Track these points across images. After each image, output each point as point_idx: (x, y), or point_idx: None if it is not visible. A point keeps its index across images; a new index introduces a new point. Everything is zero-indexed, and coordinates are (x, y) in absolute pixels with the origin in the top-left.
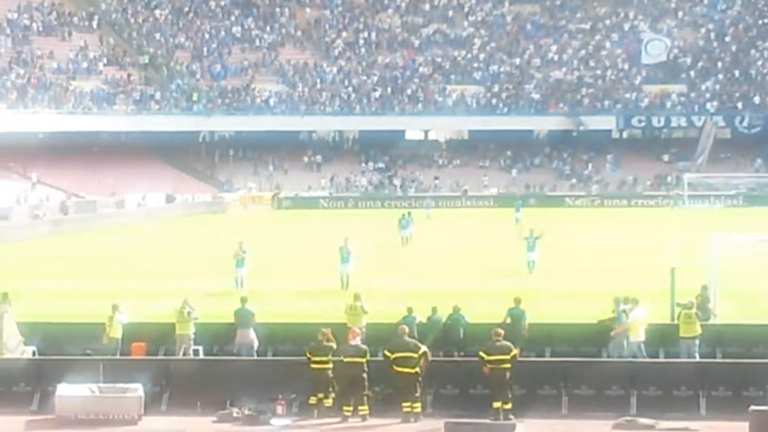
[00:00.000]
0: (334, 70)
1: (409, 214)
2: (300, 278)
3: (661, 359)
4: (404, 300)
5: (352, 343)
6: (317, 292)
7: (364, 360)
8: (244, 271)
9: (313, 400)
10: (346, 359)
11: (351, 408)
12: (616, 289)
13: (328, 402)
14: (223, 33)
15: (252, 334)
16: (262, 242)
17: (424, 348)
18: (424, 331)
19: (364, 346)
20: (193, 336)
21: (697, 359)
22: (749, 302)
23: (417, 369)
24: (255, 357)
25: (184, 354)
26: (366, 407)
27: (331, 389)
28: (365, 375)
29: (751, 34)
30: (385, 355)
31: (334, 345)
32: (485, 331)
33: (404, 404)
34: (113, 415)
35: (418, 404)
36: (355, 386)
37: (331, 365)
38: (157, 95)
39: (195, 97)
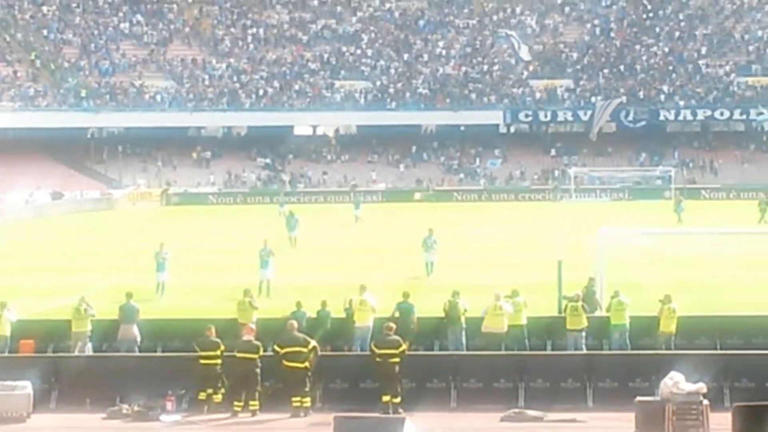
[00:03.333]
0: (223, 66)
1: (293, 213)
2: (191, 273)
3: (549, 351)
4: (294, 295)
5: (245, 338)
6: (211, 288)
7: (257, 356)
8: (165, 275)
9: (202, 395)
10: (239, 355)
11: (242, 403)
12: (504, 284)
13: (218, 397)
14: (111, 29)
15: (135, 330)
16: (150, 239)
17: (313, 343)
18: (314, 326)
19: (257, 342)
20: (89, 334)
21: (584, 351)
22: (635, 294)
23: (307, 364)
24: (137, 353)
25: (80, 352)
26: (257, 402)
27: (220, 384)
28: (258, 370)
29: (635, 29)
30: (274, 350)
31: (219, 341)
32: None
33: (294, 399)
34: (1, 413)
35: (308, 399)
36: (248, 381)
37: (219, 361)
38: (45, 92)
39: (83, 94)
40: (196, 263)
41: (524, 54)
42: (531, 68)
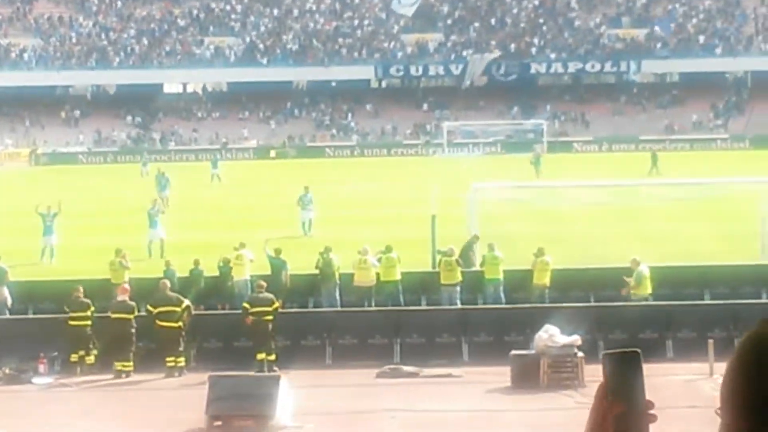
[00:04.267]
0: (90, 23)
1: (164, 173)
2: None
3: (424, 307)
4: (174, 252)
5: (120, 298)
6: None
7: (131, 316)
8: (53, 238)
9: (74, 357)
10: (113, 316)
11: (122, 363)
12: (378, 239)
13: (90, 359)
14: None
15: (5, 292)
16: (19, 200)
17: (186, 302)
18: (187, 285)
19: (132, 303)
20: None
21: (459, 306)
22: (508, 248)
23: (180, 323)
24: (8, 315)
25: None
26: (130, 363)
27: (91, 346)
28: (133, 331)
29: None
30: (147, 310)
31: (89, 301)
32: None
33: (168, 359)
34: None
35: (182, 358)
36: (123, 342)
37: (89, 322)
38: None
39: None
40: (71, 225)
41: (405, 9)
42: (402, 22)
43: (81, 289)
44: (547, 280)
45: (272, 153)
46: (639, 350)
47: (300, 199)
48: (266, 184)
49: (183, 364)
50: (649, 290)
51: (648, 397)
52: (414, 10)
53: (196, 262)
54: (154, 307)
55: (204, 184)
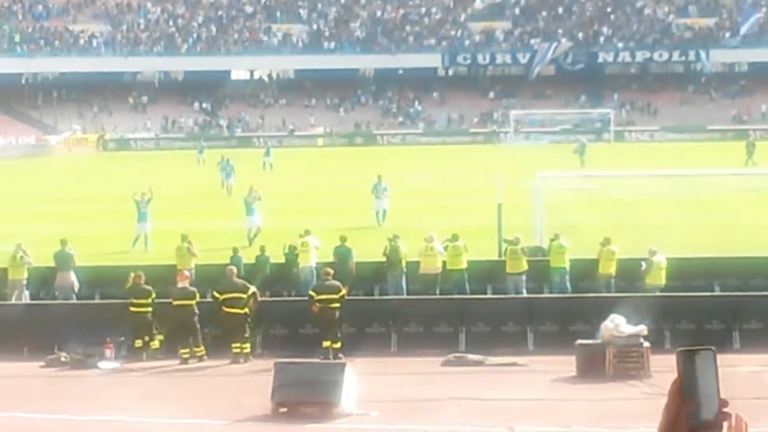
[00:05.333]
0: (158, 10)
1: (228, 159)
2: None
3: (489, 295)
4: (234, 240)
5: (180, 285)
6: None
7: (193, 302)
8: (147, 225)
9: (138, 343)
10: (175, 302)
11: (188, 350)
12: (444, 228)
13: (155, 344)
14: None
15: (72, 277)
16: (88, 185)
17: (253, 288)
18: (253, 272)
19: (193, 288)
20: (25, 282)
21: (525, 294)
22: (574, 237)
23: (246, 309)
24: (74, 300)
25: (17, 300)
26: (202, 348)
27: (155, 331)
28: (195, 317)
29: None
30: (214, 296)
31: (150, 288)
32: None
33: (234, 345)
34: None
35: (248, 345)
36: (186, 329)
37: (150, 309)
38: None
39: (16, 39)
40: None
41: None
42: (469, 11)
43: (142, 275)
44: (613, 270)
45: (319, 141)
46: (713, 348)
47: (374, 188)
48: (333, 171)
49: (248, 350)
50: (663, 281)
51: None
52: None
53: (262, 249)
54: (221, 294)
55: (258, 171)
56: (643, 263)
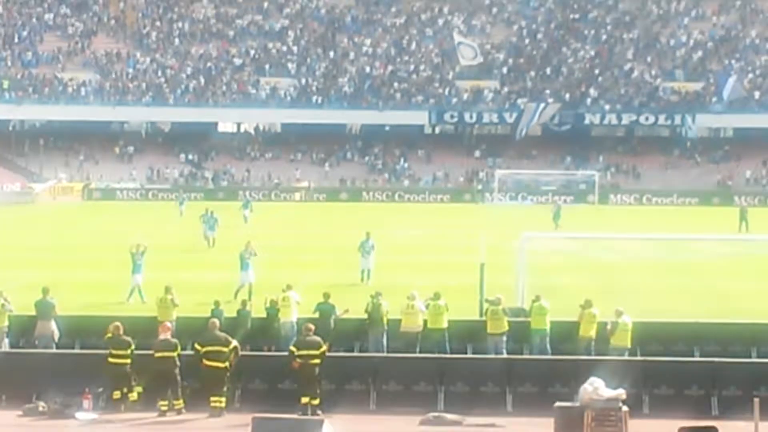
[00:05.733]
0: (147, 60)
1: (212, 212)
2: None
3: (469, 355)
4: (216, 293)
5: (162, 337)
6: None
7: (174, 354)
8: (140, 277)
9: (116, 394)
10: (156, 354)
11: (166, 402)
12: (426, 286)
13: (134, 396)
14: (35, 20)
15: (53, 326)
16: (71, 234)
17: (234, 342)
18: (234, 325)
19: (174, 340)
20: (6, 329)
21: (505, 355)
22: (556, 298)
23: (227, 364)
24: (54, 349)
25: None
26: (181, 401)
27: (133, 383)
28: (177, 369)
29: (562, 32)
30: (195, 349)
31: (129, 339)
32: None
33: (213, 399)
34: None
35: (224, 399)
36: (166, 380)
37: (129, 360)
38: None
39: (5, 85)
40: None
41: (467, 59)
42: (457, 69)
43: (121, 326)
44: (593, 333)
45: (297, 195)
46: (716, 428)
47: (361, 245)
48: (317, 226)
49: (224, 404)
50: (628, 343)
51: None
52: (477, 62)
53: (244, 303)
54: (202, 346)
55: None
56: (609, 323)
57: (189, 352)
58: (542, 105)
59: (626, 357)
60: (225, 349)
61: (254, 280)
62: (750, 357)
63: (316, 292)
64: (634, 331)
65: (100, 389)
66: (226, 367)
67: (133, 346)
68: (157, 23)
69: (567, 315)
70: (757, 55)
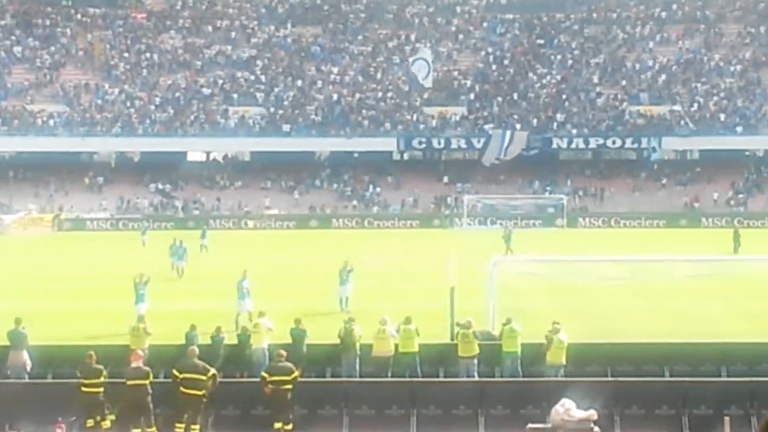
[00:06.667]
0: (116, 91)
1: (181, 242)
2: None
3: (441, 379)
4: (187, 321)
5: (134, 365)
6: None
7: (147, 382)
8: (145, 306)
9: (90, 423)
10: (129, 382)
11: (139, 430)
12: (397, 311)
13: (106, 424)
14: (2, 53)
15: (25, 356)
16: (42, 264)
17: (213, 371)
18: (208, 352)
19: (147, 368)
20: None
21: (476, 378)
22: (526, 321)
23: (204, 392)
24: (26, 379)
25: None
26: (154, 429)
27: (106, 411)
28: (149, 397)
29: (529, 57)
30: (173, 375)
31: (101, 367)
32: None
33: (193, 427)
34: None
35: (198, 426)
36: (139, 408)
37: (102, 389)
38: None
39: None
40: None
41: (426, 81)
42: (425, 95)
43: (93, 355)
44: (562, 359)
45: (250, 223)
46: None
47: (340, 273)
48: (285, 253)
49: (198, 430)
50: (563, 360)
51: None
52: (430, 80)
53: (218, 330)
54: (180, 372)
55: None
56: (546, 340)
57: (162, 379)
58: (508, 132)
59: (596, 378)
60: (203, 378)
61: (252, 308)
62: (720, 376)
63: (289, 318)
64: (606, 351)
65: (73, 418)
66: (203, 395)
67: (105, 374)
68: (125, 54)
69: (537, 338)
70: (722, 78)
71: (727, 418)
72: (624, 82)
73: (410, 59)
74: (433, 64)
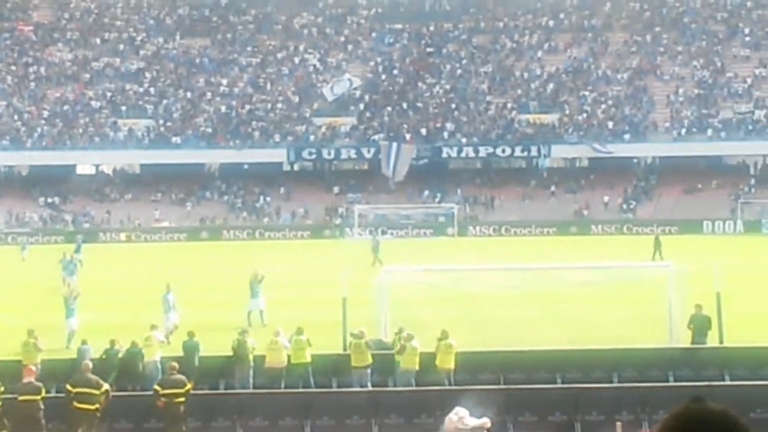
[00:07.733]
0: (4, 104)
1: (72, 257)
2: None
3: (334, 389)
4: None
5: (26, 380)
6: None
7: (39, 397)
8: (74, 321)
9: None
10: (20, 398)
11: None
12: (289, 321)
13: None
14: None
15: None
16: None
17: (106, 386)
18: (102, 365)
19: (39, 384)
20: None
21: (370, 388)
22: (418, 330)
23: (97, 406)
24: None
25: None
26: None
27: (0, 427)
28: (41, 413)
29: (417, 67)
30: (66, 390)
31: None
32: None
33: None
34: None
35: None
36: (31, 424)
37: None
38: None
39: None
40: None
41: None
42: (315, 106)
43: None
44: (451, 364)
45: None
46: None
47: (251, 284)
48: (177, 265)
49: None
50: (417, 366)
51: None
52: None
53: (113, 343)
54: (73, 387)
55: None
56: (399, 346)
57: (54, 394)
58: (395, 144)
59: (489, 386)
60: (96, 392)
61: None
62: (611, 382)
63: (182, 331)
64: (498, 359)
65: None
66: (96, 410)
67: (0, 390)
68: (12, 67)
69: (429, 347)
70: (609, 86)
71: (618, 423)
72: (513, 91)
73: (335, 78)
74: (320, 75)
